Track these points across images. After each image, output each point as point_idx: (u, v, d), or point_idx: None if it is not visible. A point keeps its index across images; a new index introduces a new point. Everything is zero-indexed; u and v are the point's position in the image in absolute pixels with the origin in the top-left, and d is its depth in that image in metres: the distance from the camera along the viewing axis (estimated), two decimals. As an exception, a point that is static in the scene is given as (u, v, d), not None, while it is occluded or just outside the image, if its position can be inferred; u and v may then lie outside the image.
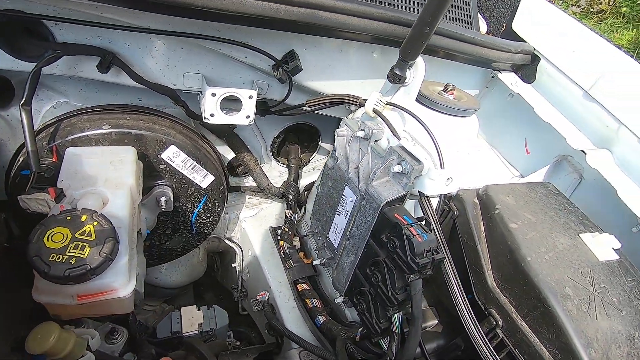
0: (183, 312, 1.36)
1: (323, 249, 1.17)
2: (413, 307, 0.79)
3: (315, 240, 1.26)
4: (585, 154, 0.97)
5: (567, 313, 0.67)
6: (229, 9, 0.73)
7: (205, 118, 1.03)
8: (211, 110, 1.02)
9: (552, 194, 0.96)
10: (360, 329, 1.03)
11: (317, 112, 1.29)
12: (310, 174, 1.71)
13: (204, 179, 1.16)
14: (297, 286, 1.30)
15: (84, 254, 0.64)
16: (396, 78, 0.97)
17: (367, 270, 0.90)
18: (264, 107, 1.28)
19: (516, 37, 1.24)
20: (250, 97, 1.03)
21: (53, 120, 1.00)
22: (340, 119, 1.23)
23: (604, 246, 0.82)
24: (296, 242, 1.45)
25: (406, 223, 0.79)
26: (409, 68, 0.97)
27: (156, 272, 1.59)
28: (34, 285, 0.66)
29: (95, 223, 0.68)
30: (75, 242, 0.65)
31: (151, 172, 1.06)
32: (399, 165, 0.82)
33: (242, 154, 1.40)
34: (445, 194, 0.93)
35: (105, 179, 0.84)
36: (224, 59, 1.01)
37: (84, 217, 0.67)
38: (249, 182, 1.61)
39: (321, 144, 1.66)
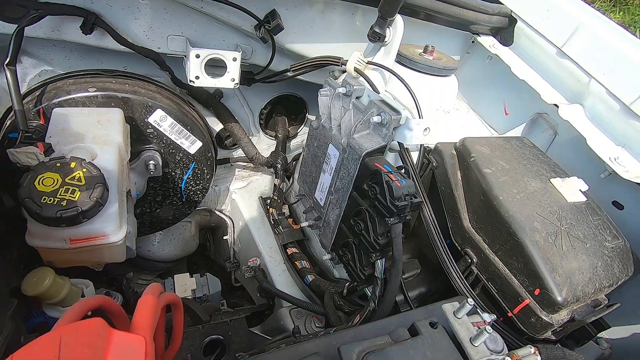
0: (176, 279, 1.40)
1: (310, 210, 1.20)
2: (394, 250, 0.83)
3: (302, 203, 1.30)
4: (558, 107, 1.01)
5: (534, 243, 0.71)
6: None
7: (190, 81, 1.05)
8: (195, 72, 1.03)
9: (527, 146, 1.00)
10: (347, 283, 1.08)
11: (303, 79, 1.31)
12: (298, 148, 1.74)
13: (191, 144, 1.18)
14: (287, 250, 1.34)
15: (74, 197, 0.66)
16: (376, 36, 1.00)
17: (350, 222, 0.94)
18: (249, 76, 1.30)
19: (495, 0, 1.27)
20: (234, 59, 1.05)
21: (39, 84, 1.00)
22: (325, 86, 1.26)
23: (572, 189, 0.87)
24: (285, 210, 1.48)
25: (386, 171, 0.83)
26: (388, 27, 0.99)
27: (149, 245, 1.61)
28: (27, 230, 0.68)
29: (84, 170, 0.70)
30: (65, 187, 0.67)
31: (139, 136, 1.08)
32: (379, 116, 0.85)
33: (230, 124, 1.42)
34: (424, 148, 0.96)
35: (93, 136, 0.86)
36: (208, 21, 1.02)
37: (73, 164, 0.70)
38: (237, 154, 1.63)
39: (308, 116, 1.69)
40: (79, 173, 0.69)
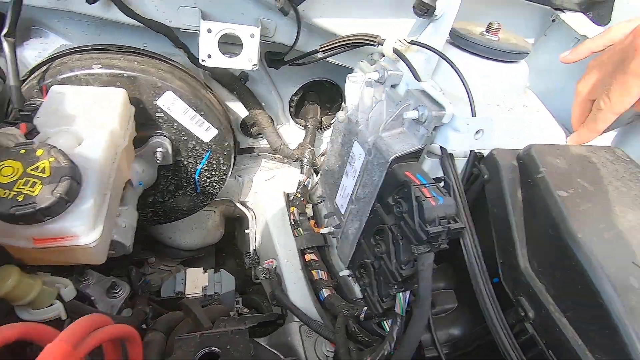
0: (188, 273, 1.32)
1: (332, 215, 1.04)
2: (420, 286, 0.64)
3: (325, 206, 1.14)
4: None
5: (630, 312, 0.48)
6: None
7: (202, 60, 0.92)
8: (208, 50, 0.90)
9: (622, 161, 0.74)
10: (365, 307, 0.90)
11: (338, 63, 1.13)
12: (331, 139, 1.57)
13: (206, 131, 1.06)
14: (305, 256, 1.19)
15: (33, 192, 0.57)
16: (423, 8, 0.78)
17: (371, 240, 0.76)
18: (277, 57, 1.15)
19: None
20: (252, 35, 0.90)
21: (47, 59, 0.94)
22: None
23: (691, 228, 0.61)
24: (309, 210, 1.33)
25: (418, 183, 0.64)
26: (440, -4, 0.78)
27: (170, 232, 1.56)
28: (-12, 224, 0.60)
29: (51, 159, 0.60)
30: (25, 178, 0.57)
31: (147, 120, 0.98)
32: (415, 111, 0.65)
33: (254, 110, 1.29)
34: (475, 154, 0.75)
35: (85, 118, 0.77)
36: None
37: (39, 152, 0.60)
38: (264, 144, 1.50)
39: (344, 104, 1.50)
40: (44, 163, 0.59)
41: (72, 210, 0.62)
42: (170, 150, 1.03)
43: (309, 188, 1.35)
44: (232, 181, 1.52)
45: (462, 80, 0.75)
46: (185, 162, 1.11)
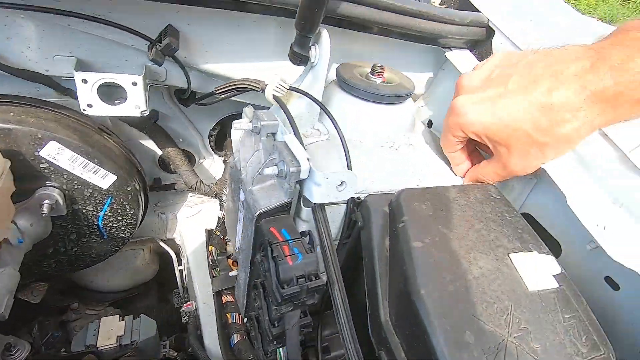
0: (102, 322, 1.25)
1: (236, 258, 1.02)
2: (288, 344, 0.63)
3: (232, 247, 1.11)
4: (537, 148, 0.77)
5: (460, 370, 0.49)
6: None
7: (83, 109, 0.89)
8: (88, 100, 0.87)
9: (490, 200, 0.77)
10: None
11: (246, 102, 1.13)
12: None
13: (102, 178, 1.02)
14: (222, 297, 1.16)
15: None
16: (297, 58, 0.79)
17: (252, 294, 0.74)
18: (184, 96, 1.13)
19: (472, 8, 1.03)
20: (134, 83, 0.87)
21: None
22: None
23: (539, 270, 0.63)
24: (229, 247, 1.30)
25: (281, 239, 0.63)
26: (313, 45, 0.79)
27: (90, 276, 1.48)
28: None
29: None
30: None
31: (30, 172, 0.93)
32: (275, 167, 0.65)
33: (167, 149, 1.26)
34: (354, 199, 0.75)
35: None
36: (103, 39, 0.85)
37: None
38: (186, 178, 1.47)
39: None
40: None
41: None
42: (61, 201, 0.98)
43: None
44: (154, 219, 1.47)
45: (335, 127, 0.76)
46: (84, 210, 1.06)
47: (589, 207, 0.69)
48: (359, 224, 0.73)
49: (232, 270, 1.20)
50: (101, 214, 1.09)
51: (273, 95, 0.81)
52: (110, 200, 1.07)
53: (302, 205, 0.73)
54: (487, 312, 0.56)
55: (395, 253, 0.65)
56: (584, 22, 0.83)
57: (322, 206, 0.69)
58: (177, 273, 1.49)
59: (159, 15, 0.79)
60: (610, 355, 0.58)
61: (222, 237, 1.28)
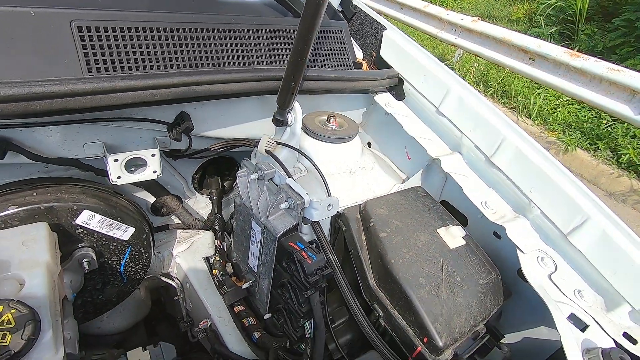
0: (129, 356, 1.43)
1: (248, 273, 1.31)
2: (315, 316, 0.96)
3: (241, 265, 1.40)
4: (441, 160, 1.21)
5: (420, 299, 0.88)
6: (108, 104, 0.83)
7: (112, 181, 1.11)
8: (117, 174, 1.10)
9: (420, 197, 1.19)
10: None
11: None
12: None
13: (124, 232, 1.24)
14: (234, 308, 1.43)
15: (5, 342, 0.72)
16: (279, 122, 1.13)
17: (278, 291, 1.06)
18: (175, 152, 1.38)
19: (387, 65, 1.46)
20: (153, 155, 1.13)
21: (-46, 210, 1.01)
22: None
23: (453, 236, 1.06)
24: (229, 268, 1.57)
25: (298, 249, 0.96)
26: (289, 112, 1.13)
27: (97, 322, 1.62)
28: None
29: (12, 311, 0.75)
30: (-5, 333, 0.72)
31: (69, 238, 1.12)
32: (286, 202, 0.98)
33: (162, 197, 1.49)
34: (337, 212, 1.11)
35: (19, 261, 0.90)
36: (123, 127, 1.09)
37: (0, 308, 0.75)
38: (175, 219, 1.69)
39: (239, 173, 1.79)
40: (7, 316, 0.74)
41: (38, 344, 0.78)
42: (95, 257, 1.18)
43: (225, 250, 1.59)
44: (153, 258, 1.66)
45: (315, 167, 1.11)
46: (110, 262, 1.26)
47: (476, 191, 1.14)
48: (343, 228, 1.09)
49: (238, 285, 1.47)
50: (123, 261, 1.29)
51: (265, 149, 1.13)
52: (130, 249, 1.29)
53: (302, 224, 1.07)
54: (429, 265, 0.96)
55: (370, 242, 1.02)
56: (453, 76, 1.29)
57: (318, 222, 1.04)
58: (180, 301, 1.70)
59: (173, 106, 1.06)
60: (497, 276, 1.03)
61: (222, 261, 1.55)
